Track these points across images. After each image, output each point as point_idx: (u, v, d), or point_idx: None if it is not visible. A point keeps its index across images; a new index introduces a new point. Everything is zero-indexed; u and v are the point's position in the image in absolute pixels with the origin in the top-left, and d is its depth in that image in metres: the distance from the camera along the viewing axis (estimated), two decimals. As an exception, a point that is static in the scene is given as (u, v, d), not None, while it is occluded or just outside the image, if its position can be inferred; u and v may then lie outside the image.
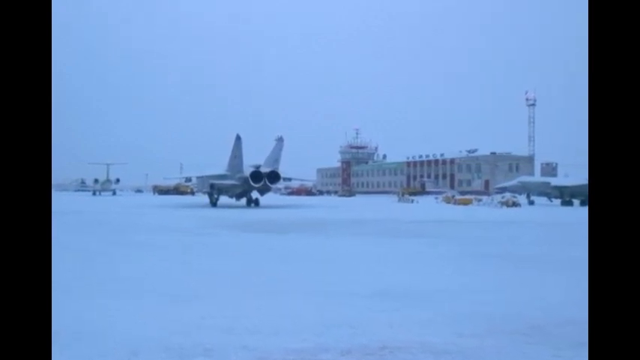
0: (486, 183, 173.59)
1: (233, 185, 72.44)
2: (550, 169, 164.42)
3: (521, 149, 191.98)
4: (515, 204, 79.95)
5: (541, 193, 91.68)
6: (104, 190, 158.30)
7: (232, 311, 11.00)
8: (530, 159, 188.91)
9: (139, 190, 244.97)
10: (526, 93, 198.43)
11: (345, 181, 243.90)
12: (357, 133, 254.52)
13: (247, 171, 70.19)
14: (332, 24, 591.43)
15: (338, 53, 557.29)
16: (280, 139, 74.81)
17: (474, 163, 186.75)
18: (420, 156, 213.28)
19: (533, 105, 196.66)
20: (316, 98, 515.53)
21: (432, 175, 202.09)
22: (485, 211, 64.42)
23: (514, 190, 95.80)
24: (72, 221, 39.87)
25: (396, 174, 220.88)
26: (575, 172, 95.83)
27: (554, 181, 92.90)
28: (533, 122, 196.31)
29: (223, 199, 77.55)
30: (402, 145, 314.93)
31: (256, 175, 69.84)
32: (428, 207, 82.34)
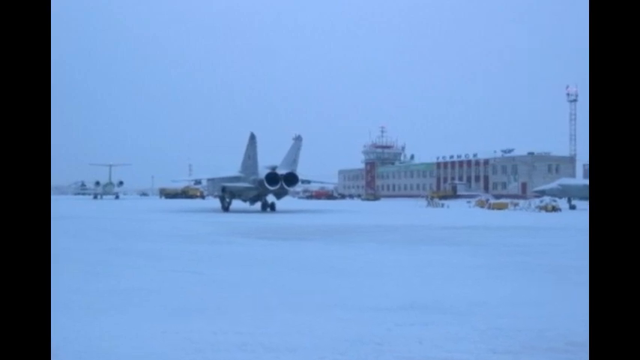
0: (523, 186, 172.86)
1: (247, 188, 72.65)
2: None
3: (561, 149, 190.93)
4: (555, 209, 79.49)
5: (583, 197, 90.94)
6: (106, 193, 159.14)
7: (246, 326, 11.00)
8: (571, 159, 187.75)
9: (144, 194, 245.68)
10: (567, 88, 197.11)
11: (370, 183, 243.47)
12: (382, 132, 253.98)
13: (262, 173, 70.35)
14: (355, 14, 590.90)
15: (362, 45, 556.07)
16: (298, 138, 74.74)
17: (509, 164, 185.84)
18: (451, 156, 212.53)
19: (575, 101, 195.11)
20: (338, 93, 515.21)
21: (464, 178, 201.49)
22: (522, 217, 64.11)
23: (554, 193, 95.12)
24: (71, 227, 40.07)
25: (424, 176, 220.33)
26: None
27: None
28: (575, 119, 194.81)
29: (236, 204, 77.69)
30: (431, 144, 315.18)
31: (272, 178, 70.03)
32: (459, 212, 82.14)
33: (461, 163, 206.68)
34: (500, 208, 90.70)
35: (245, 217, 58.95)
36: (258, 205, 77.38)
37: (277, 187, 70.49)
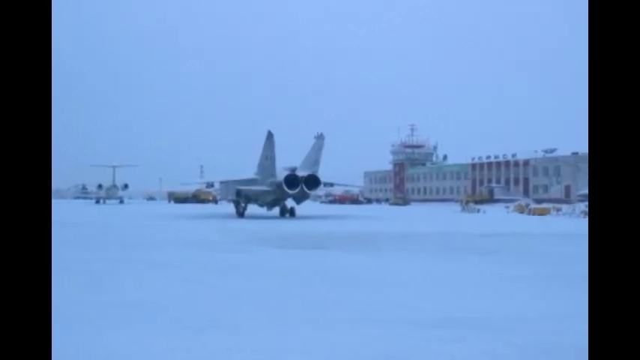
0: (567, 189, 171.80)
1: (264, 192, 72.58)
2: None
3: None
4: (602, 214, 79.10)
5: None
6: (109, 197, 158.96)
7: (263, 342, 11.01)
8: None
9: (151, 198, 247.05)
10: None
11: (398, 186, 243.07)
12: (412, 130, 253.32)
13: (281, 175, 70.38)
14: (382, 1, 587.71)
15: (390, 34, 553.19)
16: (320, 137, 74.49)
17: (552, 166, 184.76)
18: (488, 157, 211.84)
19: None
20: (363, 87, 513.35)
21: (502, 180, 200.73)
22: (565, 223, 63.90)
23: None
24: (71, 235, 40.18)
25: (458, 178, 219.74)
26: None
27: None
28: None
29: (252, 209, 77.64)
30: (465, 143, 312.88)
31: (292, 180, 70.01)
32: (497, 218, 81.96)
33: (498, 164, 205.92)
34: (541, 214, 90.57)
35: (262, 223, 59.06)
36: (276, 210, 77.56)
37: (297, 190, 70.33)
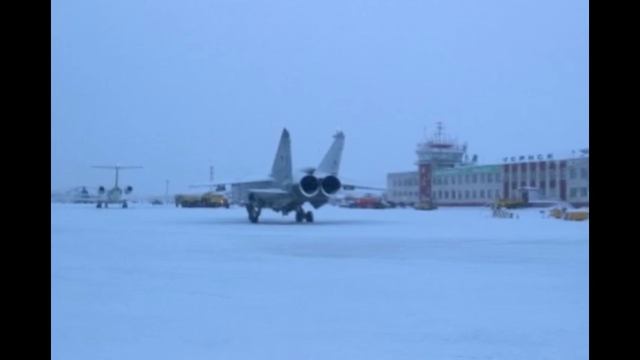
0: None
1: (279, 195, 72.70)
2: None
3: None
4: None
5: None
6: (112, 201, 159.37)
7: (280, 359, 10.99)
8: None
9: (157, 202, 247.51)
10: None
11: (424, 189, 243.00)
12: (439, 128, 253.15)
13: (297, 177, 70.39)
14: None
15: (416, 24, 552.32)
16: (340, 136, 74.57)
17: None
18: (522, 157, 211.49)
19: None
20: (387, 83, 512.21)
21: (537, 182, 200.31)
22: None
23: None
24: (71, 241, 40.32)
25: (490, 180, 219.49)
26: None
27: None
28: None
29: (266, 213, 77.66)
30: (497, 143, 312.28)
31: (309, 182, 70.01)
32: (531, 223, 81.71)
33: (533, 165, 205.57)
34: (579, 219, 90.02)
35: (277, 229, 59.13)
36: (292, 215, 77.67)
37: (315, 193, 70.24)
